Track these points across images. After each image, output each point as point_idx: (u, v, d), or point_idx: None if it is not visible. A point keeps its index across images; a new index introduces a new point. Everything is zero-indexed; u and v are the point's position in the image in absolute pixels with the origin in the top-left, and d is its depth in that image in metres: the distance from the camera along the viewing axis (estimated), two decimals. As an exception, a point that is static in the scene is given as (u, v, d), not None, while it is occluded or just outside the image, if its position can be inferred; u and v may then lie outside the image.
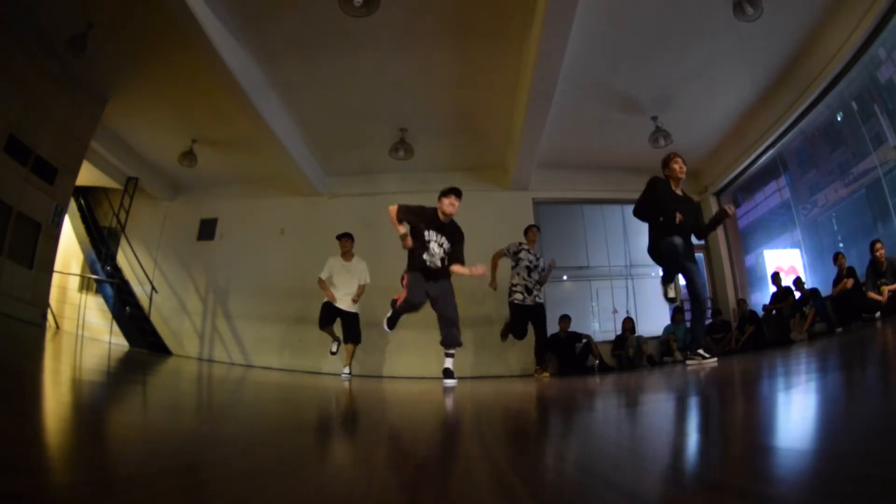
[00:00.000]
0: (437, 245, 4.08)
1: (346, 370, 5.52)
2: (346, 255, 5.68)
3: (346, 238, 5.67)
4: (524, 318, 5.32)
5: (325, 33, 5.23)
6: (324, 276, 5.59)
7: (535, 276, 5.35)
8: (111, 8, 4.98)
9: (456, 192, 4.11)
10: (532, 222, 8.02)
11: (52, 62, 5.74)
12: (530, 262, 5.33)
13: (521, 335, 5.37)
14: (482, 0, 4.81)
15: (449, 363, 4.15)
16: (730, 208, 4.11)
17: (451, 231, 4.15)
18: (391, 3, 4.67)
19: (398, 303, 4.15)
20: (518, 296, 5.29)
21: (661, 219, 3.97)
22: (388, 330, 4.33)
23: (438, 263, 4.07)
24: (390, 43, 5.38)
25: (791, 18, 5.11)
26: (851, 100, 6.17)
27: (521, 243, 5.41)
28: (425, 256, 4.04)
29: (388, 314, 4.27)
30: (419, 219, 4.07)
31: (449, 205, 4.07)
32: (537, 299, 5.35)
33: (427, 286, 4.09)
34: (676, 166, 4.16)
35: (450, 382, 4.01)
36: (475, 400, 2.55)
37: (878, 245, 5.20)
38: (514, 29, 5.14)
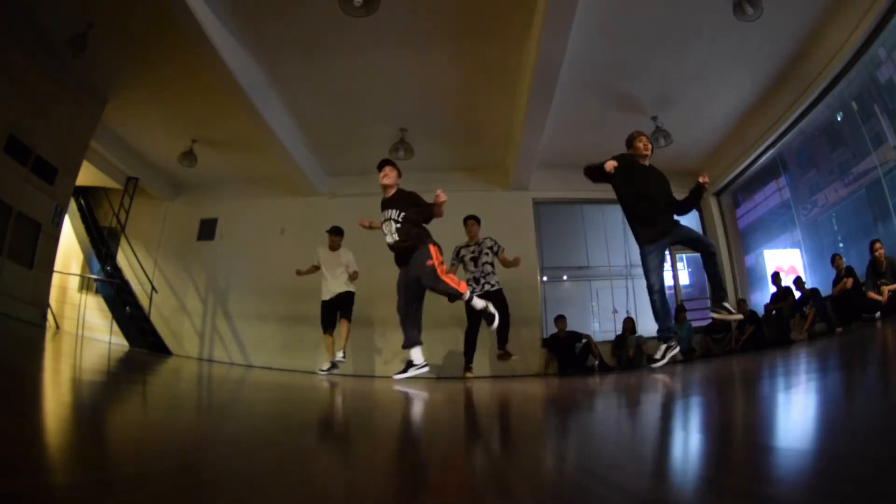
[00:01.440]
0: (390, 221, 4.04)
1: (341, 354, 5.47)
2: (333, 247, 5.74)
3: (334, 234, 5.74)
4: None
5: (325, 33, 5.23)
6: (315, 262, 5.74)
7: (483, 261, 5.25)
8: (111, 8, 4.99)
9: (386, 163, 4.17)
10: (531, 222, 8.06)
11: (52, 62, 5.74)
12: (472, 252, 5.33)
13: (469, 328, 5.29)
14: (482, 0, 4.82)
15: (413, 354, 4.06)
16: (704, 176, 3.94)
17: (400, 200, 4.08)
18: (391, 3, 4.67)
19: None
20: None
21: (629, 187, 3.85)
22: (482, 309, 4.02)
23: (395, 236, 4.00)
24: (390, 43, 5.38)
25: (791, 18, 5.11)
26: (851, 100, 6.17)
27: (457, 246, 5.39)
28: (387, 239, 4.06)
29: (466, 297, 3.97)
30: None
31: (382, 177, 4.13)
32: (488, 287, 5.17)
33: (401, 274, 4.11)
34: (640, 144, 4.03)
35: (398, 377, 4.06)
36: (474, 399, 2.55)
37: (878, 245, 5.19)
38: (514, 29, 5.14)
